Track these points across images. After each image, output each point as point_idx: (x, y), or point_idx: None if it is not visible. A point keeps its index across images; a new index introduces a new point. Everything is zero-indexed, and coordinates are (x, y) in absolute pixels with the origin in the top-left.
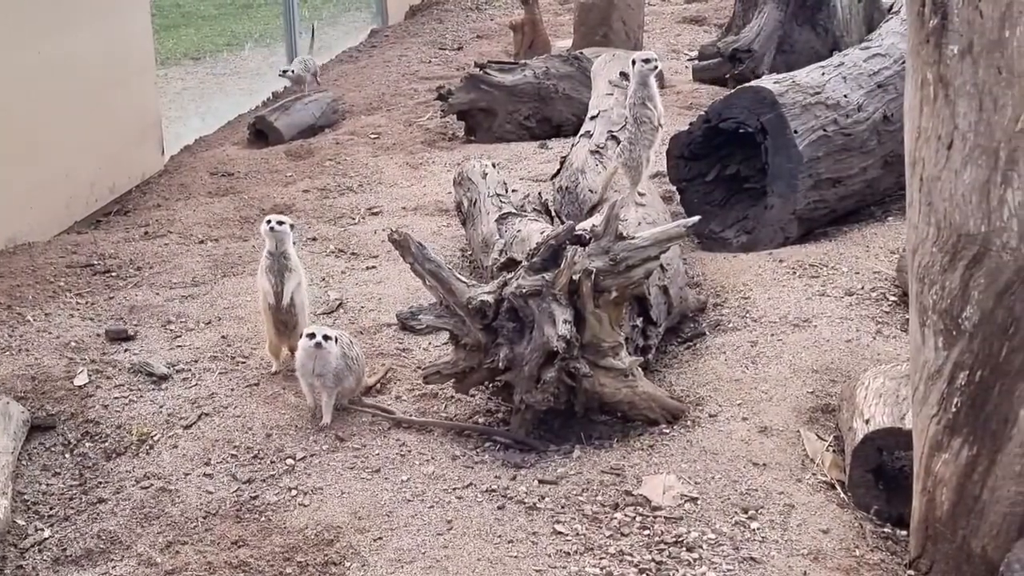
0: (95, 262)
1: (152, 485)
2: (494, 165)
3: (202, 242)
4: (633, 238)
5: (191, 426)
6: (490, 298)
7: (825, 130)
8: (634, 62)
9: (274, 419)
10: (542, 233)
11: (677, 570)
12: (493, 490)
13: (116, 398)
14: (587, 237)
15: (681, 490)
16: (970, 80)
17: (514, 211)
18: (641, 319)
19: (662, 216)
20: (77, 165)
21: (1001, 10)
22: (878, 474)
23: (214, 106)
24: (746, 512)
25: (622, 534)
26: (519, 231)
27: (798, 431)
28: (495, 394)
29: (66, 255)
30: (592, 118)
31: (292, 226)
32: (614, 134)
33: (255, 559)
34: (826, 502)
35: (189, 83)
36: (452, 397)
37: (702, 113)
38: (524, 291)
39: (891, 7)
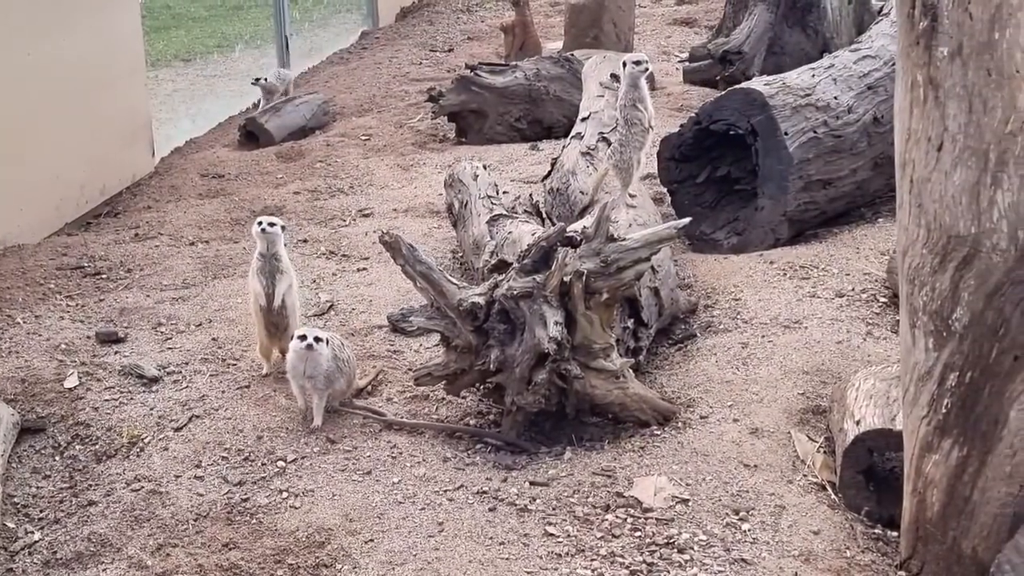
0: (85, 264)
1: (143, 487)
2: (485, 167)
3: (193, 244)
4: (624, 240)
5: (182, 428)
6: (481, 300)
7: (815, 132)
8: (625, 64)
9: (265, 421)
10: (533, 235)
11: (668, 571)
12: (484, 492)
13: (106, 400)
14: (578, 239)
15: (672, 491)
16: (960, 82)
17: (505, 213)
18: (632, 321)
19: (653, 218)
20: (67, 167)
21: (991, 12)
22: (869, 475)
23: (204, 108)
24: (737, 513)
25: (613, 535)
26: (510, 233)
27: (789, 432)
28: (486, 396)
29: (56, 257)
30: (583, 120)
31: (283, 228)
32: (605, 136)
33: (246, 561)
34: (817, 503)
35: (179, 85)
36: (443, 399)
37: (693, 115)
38: (515, 293)
39: (881, 9)
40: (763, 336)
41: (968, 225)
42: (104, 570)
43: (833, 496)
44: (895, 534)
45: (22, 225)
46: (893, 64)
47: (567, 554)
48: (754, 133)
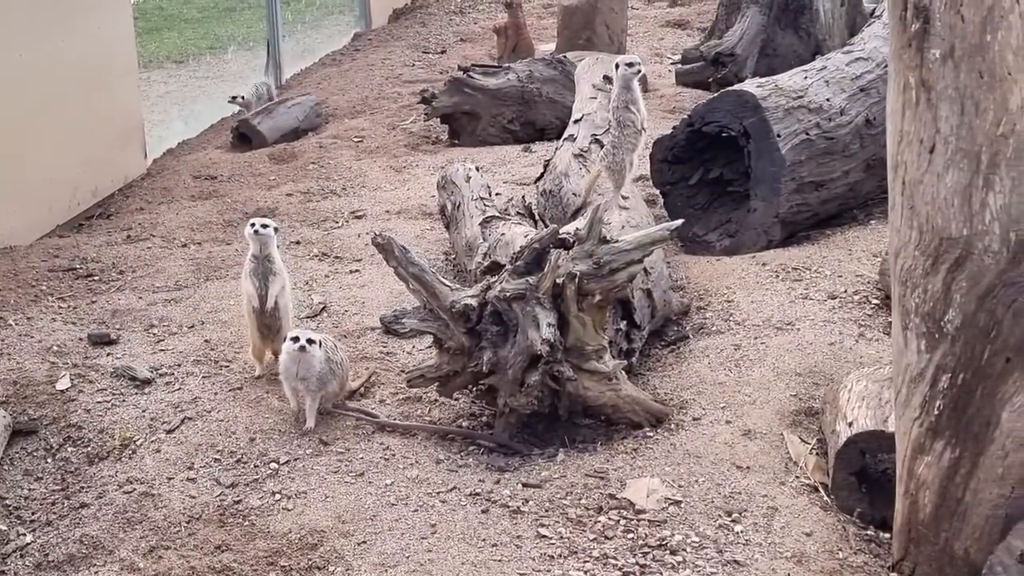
0: (77, 266)
1: (135, 490)
2: (478, 169)
3: (185, 246)
4: (617, 241)
5: (174, 430)
6: (474, 302)
7: (808, 134)
8: (617, 66)
9: (258, 423)
10: (526, 237)
11: (661, 573)
12: (477, 494)
13: (99, 402)
14: (571, 241)
15: (665, 493)
16: (952, 84)
17: (498, 215)
18: (625, 322)
19: (645, 219)
20: (59, 169)
21: (983, 14)
22: (861, 477)
23: (197, 109)
24: (730, 515)
25: (606, 537)
26: (503, 235)
27: (781, 434)
28: (479, 398)
29: (48, 259)
30: (576, 122)
31: (276, 230)
32: (598, 138)
33: (238, 563)
34: (809, 505)
35: (172, 86)
36: (436, 401)
37: (685, 117)
38: (508, 295)
39: (873, 11)
40: (756, 338)
41: (960, 227)
42: (96, 572)
43: (826, 498)
44: (887, 536)
45: (14, 227)
46: (885, 66)
47: (560, 556)
48: (747, 135)
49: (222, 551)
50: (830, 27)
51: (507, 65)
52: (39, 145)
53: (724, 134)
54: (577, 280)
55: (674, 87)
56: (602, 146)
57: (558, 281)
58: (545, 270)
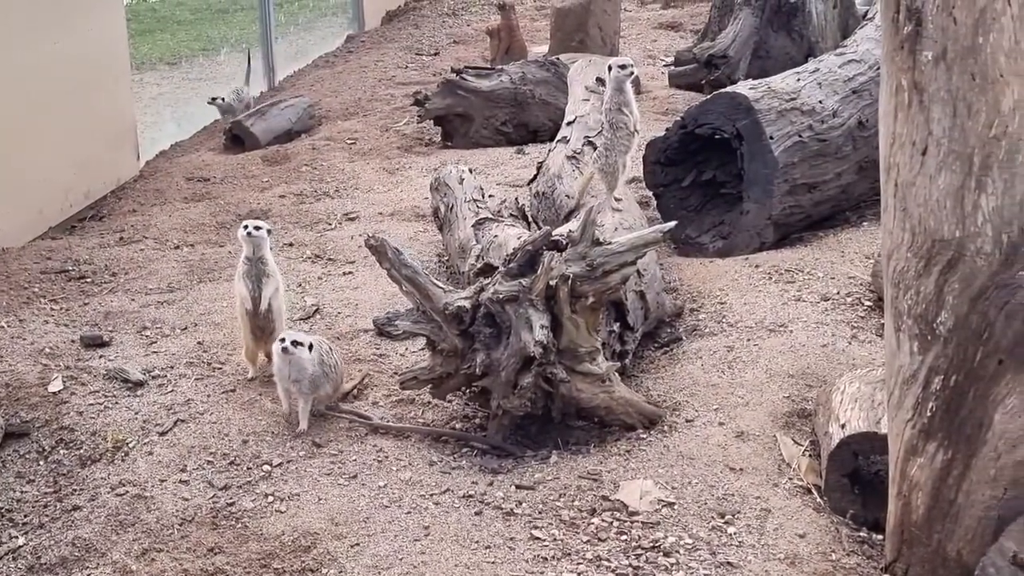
0: (70, 268)
1: (127, 492)
2: (471, 170)
3: (178, 248)
4: (610, 243)
5: (167, 433)
6: (467, 304)
7: (800, 136)
8: (610, 68)
9: (251, 425)
10: (519, 239)
11: (654, 575)
12: (470, 496)
13: (91, 405)
14: (564, 243)
15: (658, 495)
16: (944, 86)
17: (491, 217)
18: (618, 324)
19: (639, 221)
20: (52, 170)
21: (975, 16)
22: (854, 478)
23: (190, 111)
24: (723, 517)
25: (599, 539)
26: (496, 236)
27: (774, 436)
28: (472, 400)
29: (40, 261)
30: (569, 124)
31: (269, 231)
32: (591, 140)
33: (231, 566)
34: (802, 506)
35: (165, 88)
36: (429, 403)
37: (678, 119)
38: (501, 297)
39: (866, 13)
40: (748, 340)
41: (953, 229)
42: (89, 575)
43: (818, 499)
44: (880, 537)
45: (6, 229)
46: (878, 68)
47: (553, 558)
48: (739, 137)
49: (215, 553)
50: (823, 29)
51: (500, 67)
52: (31, 147)
53: (717, 136)
54: (570, 282)
55: (667, 89)
56: (595, 148)
57: (551, 283)
58: (538, 272)
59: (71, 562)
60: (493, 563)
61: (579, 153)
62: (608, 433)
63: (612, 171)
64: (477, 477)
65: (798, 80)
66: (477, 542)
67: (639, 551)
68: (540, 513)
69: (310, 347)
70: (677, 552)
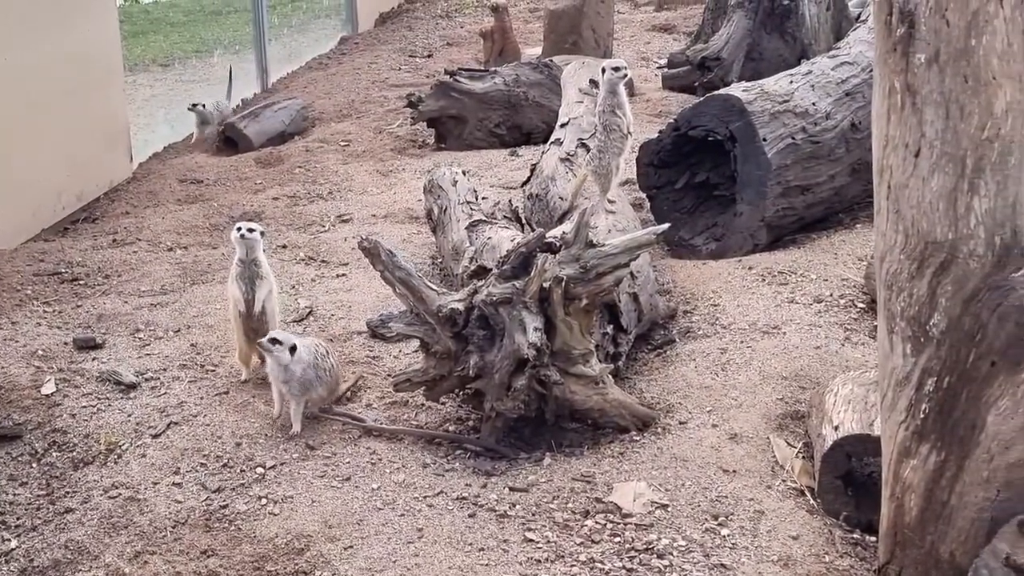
0: (62, 270)
1: (120, 495)
2: (464, 172)
3: (171, 250)
4: (603, 245)
5: (160, 435)
6: (460, 306)
7: (793, 138)
8: (604, 70)
9: (244, 428)
10: (512, 241)
11: None
12: (464, 498)
13: (84, 407)
14: (557, 244)
15: (652, 497)
16: (937, 88)
17: (484, 218)
18: (611, 326)
19: (632, 223)
20: (44, 172)
21: (967, 19)
22: (847, 480)
23: (183, 113)
24: (716, 519)
25: (593, 541)
26: (489, 239)
27: (768, 438)
28: (465, 402)
29: (33, 263)
30: (562, 126)
31: (262, 233)
32: (584, 142)
33: (225, 569)
34: (796, 508)
35: (158, 90)
36: (423, 405)
37: (671, 121)
38: (494, 299)
39: (859, 16)
40: (742, 341)
41: (945, 231)
42: None
43: (812, 501)
44: (873, 539)
45: None
46: (871, 70)
47: (546, 560)
48: (732, 139)
49: (208, 556)
50: (816, 31)
51: (493, 69)
52: (24, 149)
53: (710, 138)
54: (564, 284)
55: (660, 91)
56: (588, 150)
57: (545, 285)
58: (532, 274)
59: (63, 565)
60: (487, 565)
61: (573, 155)
62: (602, 435)
63: (605, 173)
64: (471, 479)
65: (791, 82)
66: (471, 544)
67: (632, 553)
68: (534, 515)
69: (292, 348)
70: (670, 554)
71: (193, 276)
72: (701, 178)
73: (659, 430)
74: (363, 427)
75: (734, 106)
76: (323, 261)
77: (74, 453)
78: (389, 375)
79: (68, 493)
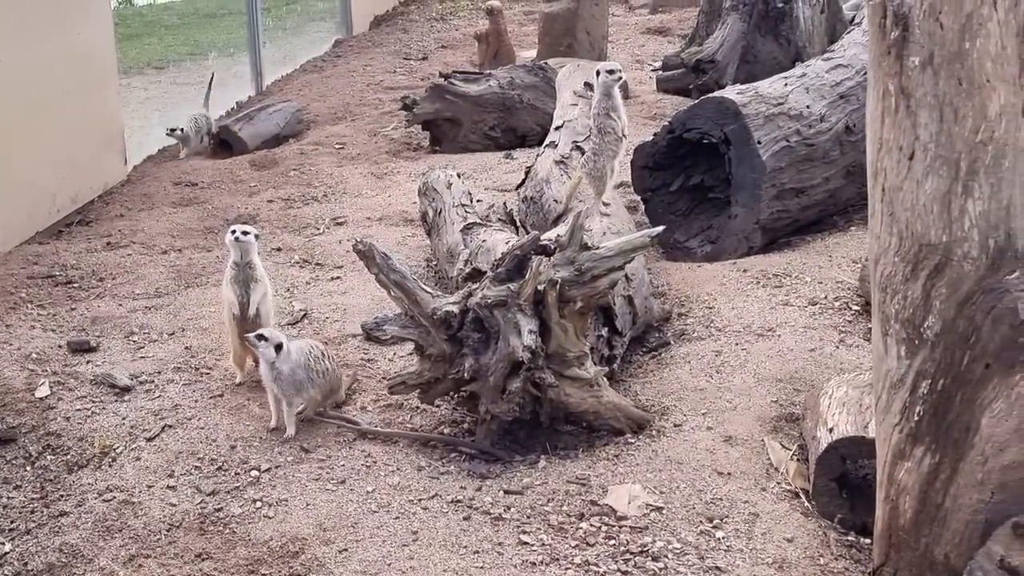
0: (57, 273)
1: (115, 498)
2: (459, 175)
3: (165, 252)
4: (598, 248)
5: (154, 438)
6: (455, 308)
7: (788, 140)
8: (598, 73)
9: (238, 430)
10: (507, 243)
11: None
12: (459, 500)
13: (78, 410)
14: (552, 247)
15: (646, 500)
16: (931, 91)
17: (479, 221)
18: (606, 329)
19: (627, 226)
20: (39, 175)
21: (961, 22)
22: (842, 483)
23: (177, 116)
24: (711, 521)
25: (588, 544)
26: (484, 241)
27: (762, 440)
28: (460, 404)
29: (27, 266)
30: (557, 128)
31: (257, 236)
32: (579, 144)
33: (219, 572)
34: (790, 511)
35: (152, 92)
36: (417, 408)
37: (666, 123)
38: (489, 301)
39: (853, 19)
40: (736, 344)
41: (940, 234)
42: None
43: (806, 503)
44: (868, 541)
45: None
46: (865, 73)
47: (541, 562)
48: (727, 142)
49: (203, 559)
50: (810, 34)
51: (488, 72)
52: (18, 151)
53: (705, 141)
54: (558, 287)
55: (655, 94)
56: (583, 153)
57: (539, 288)
58: (527, 277)
59: (58, 568)
60: (482, 568)
61: (567, 158)
62: (596, 438)
63: (600, 176)
64: (465, 482)
65: (786, 85)
66: (465, 547)
67: (627, 556)
68: (528, 518)
69: (278, 346)
70: (665, 557)
71: (187, 279)
72: (696, 181)
73: (654, 433)
74: (358, 430)
75: (728, 109)
76: (318, 264)
77: (68, 456)
78: (384, 378)
79: (62, 496)
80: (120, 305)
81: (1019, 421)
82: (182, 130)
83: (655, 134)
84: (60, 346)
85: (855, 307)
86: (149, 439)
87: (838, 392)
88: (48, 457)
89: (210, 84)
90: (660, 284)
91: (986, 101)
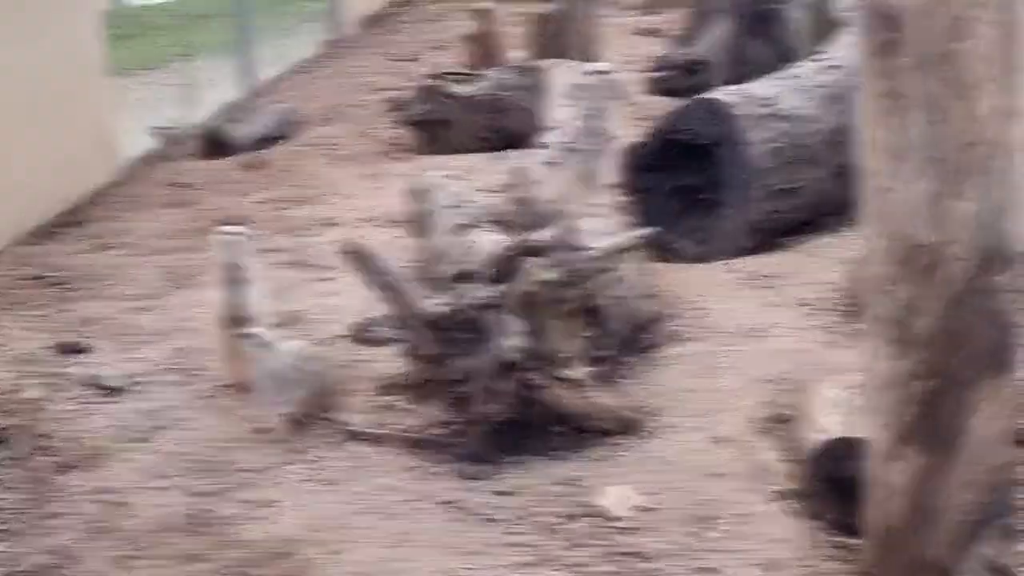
0: (47, 274)
1: (105, 499)
2: (449, 176)
3: (156, 254)
4: (587, 249)
5: (145, 439)
6: (445, 310)
7: (778, 142)
8: (589, 73)
9: (229, 432)
10: (497, 244)
11: None
12: (449, 502)
13: (68, 411)
14: (542, 248)
15: (637, 501)
16: (921, 92)
17: (469, 223)
18: (596, 330)
19: (616, 227)
20: (28, 175)
21: (951, 22)
22: (832, 484)
23: (168, 117)
24: (702, 522)
25: (578, 545)
26: (474, 243)
27: (752, 441)
28: (450, 406)
29: (17, 267)
30: (547, 130)
31: (248, 237)
32: (569, 145)
33: (209, 573)
34: (780, 512)
35: (142, 93)
36: (407, 409)
37: (656, 124)
38: (479, 302)
39: (843, 20)
40: (727, 345)
41: (929, 235)
42: None
43: (796, 505)
44: (858, 543)
45: None
46: (855, 74)
47: (531, 564)
48: (717, 143)
49: (193, 561)
50: (800, 35)
51: (479, 73)
52: (8, 152)
53: (695, 142)
54: (548, 288)
55: (645, 95)
56: (573, 154)
57: (529, 289)
58: (516, 278)
59: (48, 569)
60: (472, 569)
61: (557, 159)
62: (586, 439)
63: (590, 177)
64: (455, 483)
65: (776, 86)
66: (456, 548)
67: (618, 557)
68: (519, 519)
69: (268, 348)
70: (656, 558)
71: (178, 280)
72: (686, 182)
73: (644, 434)
74: (347, 431)
75: (719, 110)
76: (308, 265)
77: (58, 457)
78: (373, 379)
79: (53, 498)
80: (111, 306)
81: (1008, 423)
82: (163, 129)
83: (645, 135)
84: (50, 347)
85: (845, 308)
86: (139, 440)
87: (828, 393)
88: (38, 458)
89: (189, 85)
90: (650, 285)
91: (975, 102)
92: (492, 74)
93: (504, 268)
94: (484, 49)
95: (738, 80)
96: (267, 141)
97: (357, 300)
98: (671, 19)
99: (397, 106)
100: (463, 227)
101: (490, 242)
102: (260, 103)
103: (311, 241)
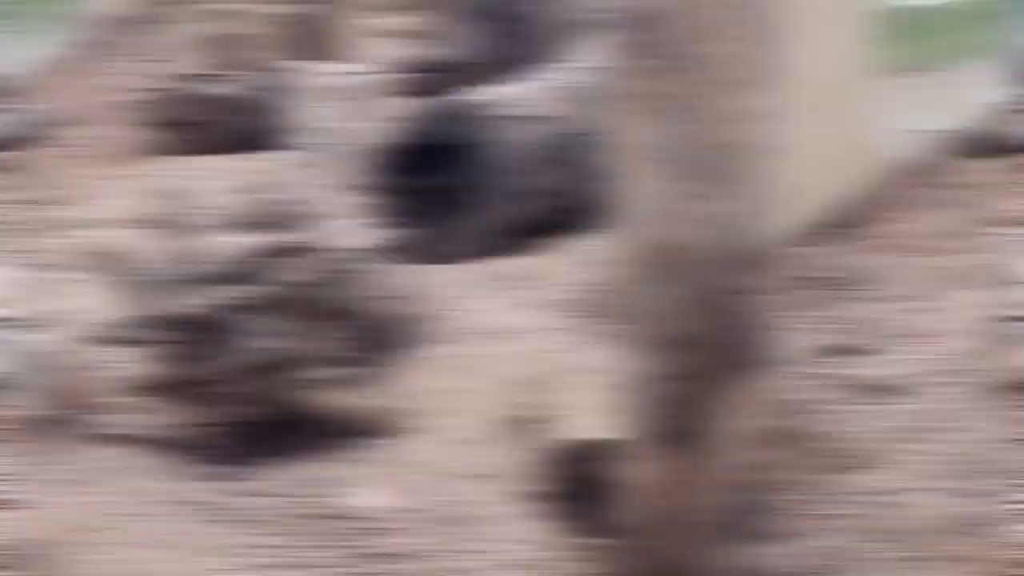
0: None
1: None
2: (199, 177)
3: None
4: (338, 249)
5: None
6: (194, 310)
7: (528, 142)
8: (334, 75)
9: None
10: (246, 245)
11: None
12: (197, 503)
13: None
14: (292, 249)
15: (385, 502)
16: (669, 92)
17: (220, 224)
18: (348, 332)
19: (367, 228)
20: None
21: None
22: (580, 485)
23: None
24: (453, 523)
25: (327, 546)
26: (223, 243)
27: (503, 442)
28: (200, 406)
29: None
30: (296, 131)
31: None
32: (319, 147)
33: None
34: (531, 513)
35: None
36: (156, 410)
37: (406, 126)
38: (229, 302)
39: (591, 19)
40: (477, 346)
41: (677, 236)
42: None
43: (547, 506)
44: (606, 544)
45: None
46: (605, 75)
47: (280, 565)
48: (467, 144)
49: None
50: (551, 36)
51: (231, 74)
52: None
53: (444, 143)
54: (299, 288)
55: (399, 96)
56: (324, 154)
57: (281, 289)
58: (268, 278)
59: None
60: (217, 571)
61: (308, 162)
62: (337, 440)
63: (341, 177)
64: (204, 484)
65: (526, 87)
66: (203, 550)
67: (367, 558)
68: (268, 520)
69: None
70: (405, 559)
71: None
72: (437, 182)
73: (395, 435)
74: (95, 433)
75: (467, 111)
76: (53, 266)
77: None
78: (121, 381)
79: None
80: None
81: (758, 423)
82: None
83: (397, 136)
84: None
85: (595, 309)
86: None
87: (577, 395)
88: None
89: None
90: (402, 286)
91: (724, 102)
92: (243, 76)
93: (254, 269)
94: (236, 50)
95: (491, 81)
96: (11, 143)
97: (103, 301)
98: (426, 21)
99: (148, 107)
100: (212, 228)
101: (239, 243)
102: (4, 103)
103: (58, 243)
